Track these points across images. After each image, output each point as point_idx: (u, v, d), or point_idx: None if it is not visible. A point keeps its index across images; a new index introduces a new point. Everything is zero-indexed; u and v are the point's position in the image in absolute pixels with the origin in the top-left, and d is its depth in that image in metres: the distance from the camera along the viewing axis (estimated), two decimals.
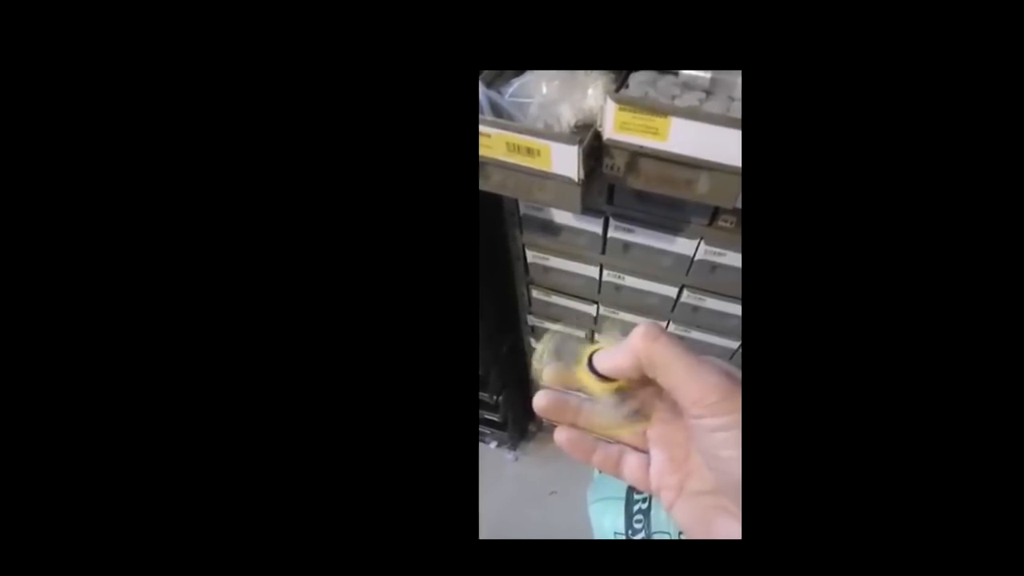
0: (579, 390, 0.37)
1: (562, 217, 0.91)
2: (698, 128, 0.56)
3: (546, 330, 1.24)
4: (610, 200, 0.84)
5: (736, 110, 0.60)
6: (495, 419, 1.59)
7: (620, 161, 0.63)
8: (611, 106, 0.58)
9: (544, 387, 0.38)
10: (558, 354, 0.38)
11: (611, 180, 0.67)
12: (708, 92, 0.62)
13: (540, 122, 0.65)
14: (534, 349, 0.39)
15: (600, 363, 0.34)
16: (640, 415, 0.36)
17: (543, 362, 0.38)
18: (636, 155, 0.62)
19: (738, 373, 0.31)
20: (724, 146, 0.56)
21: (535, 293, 1.15)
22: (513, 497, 1.70)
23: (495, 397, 1.47)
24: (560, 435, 0.37)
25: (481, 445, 1.74)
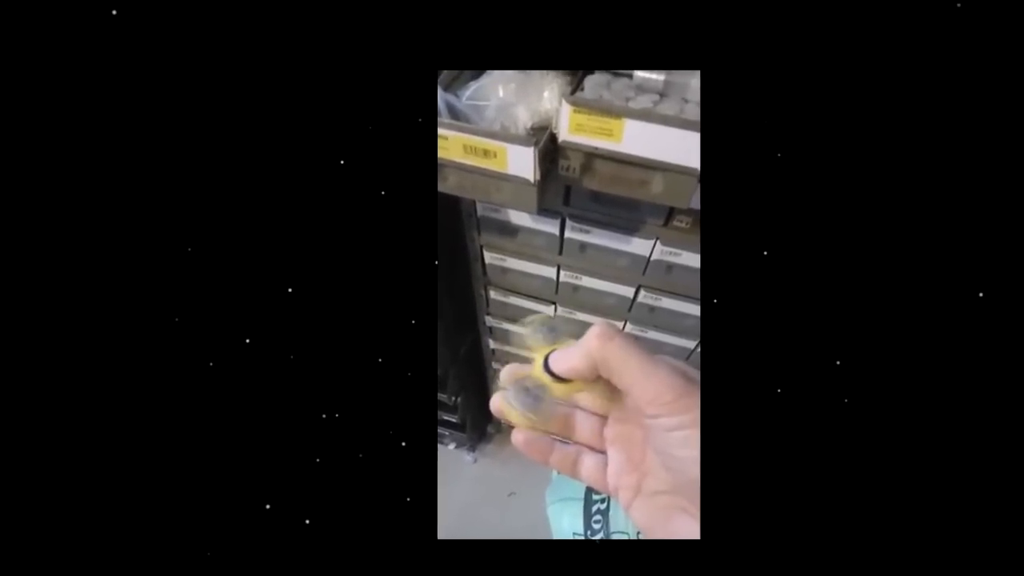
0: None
1: (519, 218, 0.91)
2: (652, 129, 0.57)
3: (505, 331, 1.24)
4: (566, 201, 0.84)
5: (689, 112, 0.61)
6: (453, 420, 1.58)
7: (575, 162, 0.64)
8: (566, 108, 0.59)
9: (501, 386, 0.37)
10: (550, 332, 0.37)
11: (567, 181, 0.67)
12: (661, 94, 0.63)
13: (497, 124, 0.65)
14: (524, 331, 0.37)
15: (556, 364, 0.34)
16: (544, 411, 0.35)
17: (532, 341, 0.37)
18: (591, 156, 0.62)
19: (693, 372, 0.31)
20: (677, 147, 0.57)
21: (493, 294, 1.15)
22: (472, 499, 1.69)
23: (453, 398, 1.46)
24: (517, 436, 0.37)
25: (439, 447, 1.73)
